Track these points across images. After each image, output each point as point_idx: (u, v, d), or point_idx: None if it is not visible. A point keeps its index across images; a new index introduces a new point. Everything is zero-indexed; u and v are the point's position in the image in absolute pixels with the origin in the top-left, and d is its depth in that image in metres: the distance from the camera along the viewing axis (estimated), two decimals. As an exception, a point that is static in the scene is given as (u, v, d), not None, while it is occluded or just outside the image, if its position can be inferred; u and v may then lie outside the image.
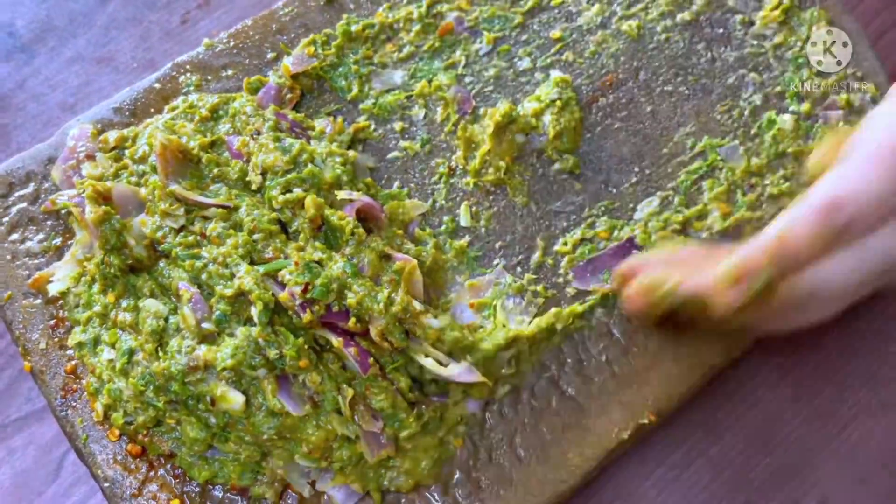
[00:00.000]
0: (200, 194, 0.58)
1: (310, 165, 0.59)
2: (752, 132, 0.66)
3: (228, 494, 0.56)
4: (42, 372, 0.59)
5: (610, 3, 0.71)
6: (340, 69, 0.68)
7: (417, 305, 0.56)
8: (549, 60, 0.69)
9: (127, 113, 0.67)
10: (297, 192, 0.58)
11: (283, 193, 0.58)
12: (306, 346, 0.54)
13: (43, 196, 0.64)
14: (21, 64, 0.80)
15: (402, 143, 0.66)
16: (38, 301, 0.61)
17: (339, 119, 0.66)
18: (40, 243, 0.63)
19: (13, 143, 0.77)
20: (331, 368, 0.54)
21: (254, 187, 0.59)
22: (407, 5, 0.70)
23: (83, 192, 0.58)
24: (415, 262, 0.57)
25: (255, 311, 0.53)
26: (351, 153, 0.63)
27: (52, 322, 0.60)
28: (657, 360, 0.60)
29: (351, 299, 0.54)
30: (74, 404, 0.58)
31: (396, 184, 0.65)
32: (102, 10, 0.82)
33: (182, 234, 0.57)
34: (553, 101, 0.65)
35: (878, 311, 0.70)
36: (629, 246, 0.62)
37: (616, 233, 0.63)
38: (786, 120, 0.66)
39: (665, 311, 0.56)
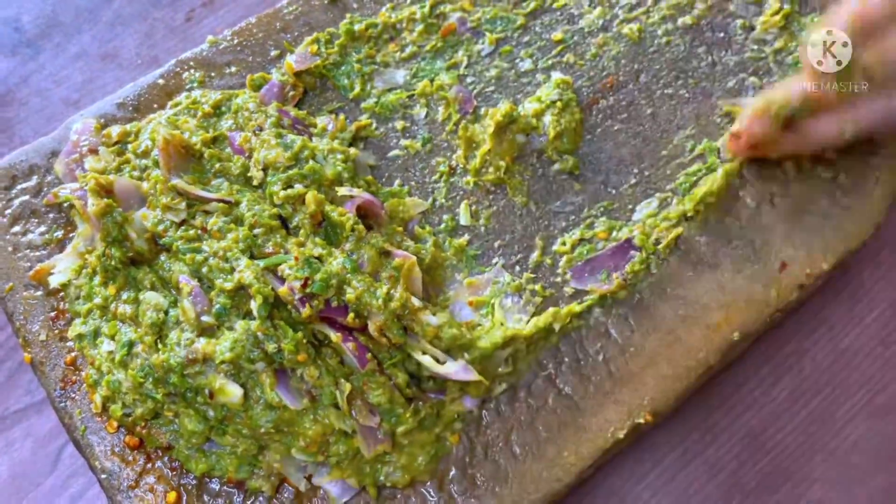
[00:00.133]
0: (202, 189, 0.59)
1: (311, 162, 0.60)
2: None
3: (225, 487, 0.56)
4: (42, 363, 0.59)
5: (611, 7, 0.71)
6: (343, 68, 0.69)
7: (416, 302, 0.56)
8: (550, 62, 0.69)
9: (130, 108, 0.67)
10: (298, 188, 0.58)
11: (284, 189, 0.58)
12: (305, 341, 0.54)
13: (45, 189, 0.65)
14: (26, 59, 0.80)
15: (404, 142, 0.67)
16: (39, 293, 0.61)
17: (341, 117, 0.67)
18: (42, 236, 0.63)
19: (16, 137, 0.77)
20: (329, 363, 0.55)
21: (255, 183, 0.60)
22: (410, 5, 0.71)
23: (86, 185, 0.59)
24: (414, 258, 0.57)
25: (254, 305, 0.54)
26: (352, 150, 0.63)
27: (52, 314, 0.61)
28: (654, 360, 0.60)
29: (350, 295, 0.54)
30: (73, 396, 0.59)
31: (397, 182, 0.65)
32: (108, 6, 0.83)
33: (183, 227, 0.58)
34: (553, 102, 0.65)
35: (875, 316, 0.70)
36: (627, 247, 0.63)
37: (615, 233, 0.63)
38: None
39: (784, 123, 0.61)
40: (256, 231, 0.57)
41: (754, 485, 0.65)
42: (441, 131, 0.67)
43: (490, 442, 0.58)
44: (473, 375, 0.56)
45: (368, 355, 0.55)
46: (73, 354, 0.59)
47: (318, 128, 0.65)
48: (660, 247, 0.62)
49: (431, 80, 0.68)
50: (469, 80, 0.69)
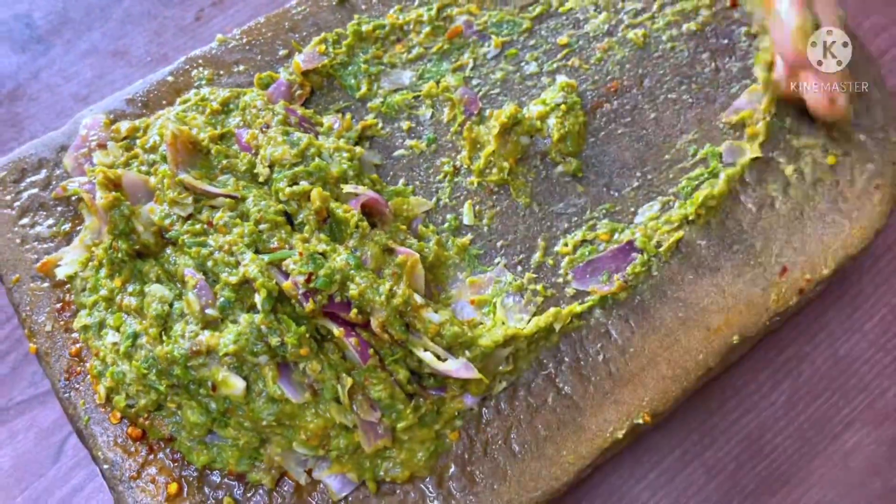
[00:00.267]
0: (209, 184, 0.59)
1: (317, 160, 0.60)
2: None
3: (226, 480, 0.57)
4: (47, 354, 0.60)
5: (617, 12, 0.72)
6: (350, 68, 0.70)
7: (418, 299, 0.57)
8: (555, 65, 0.70)
9: (139, 104, 0.68)
10: (304, 184, 0.59)
11: (290, 186, 0.59)
12: (308, 335, 0.54)
13: (54, 182, 0.65)
14: (37, 55, 0.81)
15: (409, 142, 0.67)
16: (46, 284, 0.62)
17: (348, 116, 0.67)
18: (50, 228, 0.64)
19: (26, 131, 0.78)
20: (331, 358, 0.55)
21: (261, 179, 0.60)
22: (417, 7, 0.72)
23: (94, 178, 0.59)
24: (417, 256, 0.58)
25: (258, 299, 0.54)
26: (358, 149, 0.64)
27: (58, 305, 0.61)
28: (653, 361, 0.60)
29: (353, 291, 0.55)
30: (77, 387, 0.59)
31: (402, 181, 0.66)
32: (118, 4, 0.84)
33: (189, 222, 0.58)
34: (558, 105, 0.66)
35: (874, 322, 0.71)
36: (629, 249, 0.63)
37: (616, 235, 0.64)
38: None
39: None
40: (262, 226, 0.57)
41: (753, 487, 0.65)
42: (446, 132, 0.68)
43: (490, 439, 0.58)
44: (474, 373, 0.56)
45: (370, 351, 0.55)
46: (77, 346, 0.60)
47: (325, 126, 0.66)
48: (661, 249, 0.63)
49: (437, 82, 0.69)
50: (475, 82, 0.69)
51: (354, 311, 0.55)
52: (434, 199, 0.65)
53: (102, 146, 0.65)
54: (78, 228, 0.64)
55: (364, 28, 0.71)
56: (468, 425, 0.59)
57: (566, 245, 0.64)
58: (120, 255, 0.58)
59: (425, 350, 0.56)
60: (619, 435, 0.58)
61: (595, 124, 0.68)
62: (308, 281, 0.54)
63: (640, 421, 0.59)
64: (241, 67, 0.70)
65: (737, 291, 0.62)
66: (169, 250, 0.58)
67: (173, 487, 0.56)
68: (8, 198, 0.65)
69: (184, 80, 0.69)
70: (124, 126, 0.65)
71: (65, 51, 0.82)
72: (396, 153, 0.67)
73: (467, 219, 0.65)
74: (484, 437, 0.58)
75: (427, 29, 0.71)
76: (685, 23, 0.72)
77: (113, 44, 0.82)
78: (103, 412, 0.58)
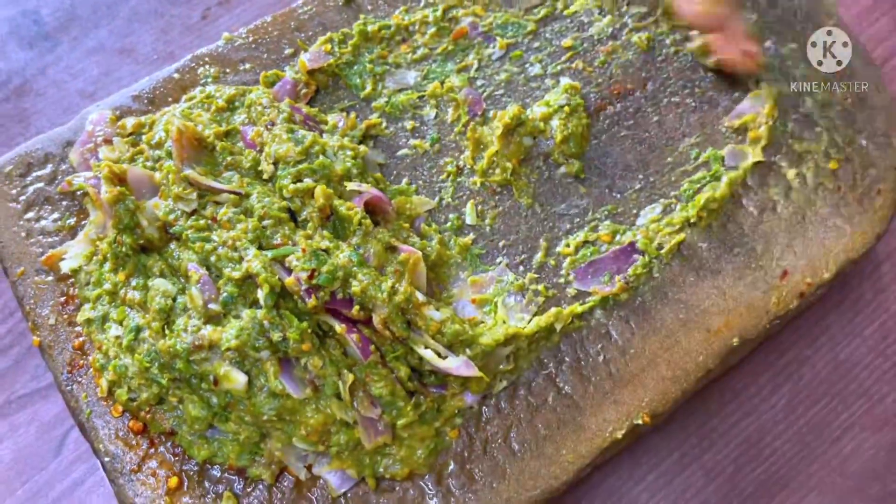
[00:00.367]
0: (213, 180, 0.60)
1: (321, 157, 0.61)
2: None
3: (226, 474, 0.57)
4: (50, 347, 0.60)
5: (621, 16, 0.73)
6: (355, 67, 0.70)
7: (420, 297, 0.57)
8: (559, 67, 0.70)
9: (145, 101, 0.68)
10: (308, 182, 0.59)
11: (294, 183, 0.59)
12: (310, 331, 0.55)
13: (60, 177, 0.66)
14: (44, 51, 0.82)
15: (413, 141, 0.68)
16: (50, 278, 0.62)
17: (352, 115, 0.68)
18: (55, 222, 0.64)
19: (32, 127, 0.79)
20: (332, 354, 0.55)
21: (265, 176, 0.61)
22: (423, 8, 0.72)
23: (100, 173, 0.60)
24: (419, 254, 0.58)
25: (261, 294, 0.54)
26: (362, 148, 0.64)
27: (62, 299, 0.62)
28: (653, 362, 0.60)
29: (355, 287, 0.55)
30: (80, 380, 0.59)
31: (405, 180, 0.66)
32: (126, 2, 0.84)
33: (194, 217, 0.58)
34: (561, 107, 0.66)
35: (875, 328, 0.71)
36: (630, 250, 0.63)
37: (618, 237, 0.64)
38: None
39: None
40: (265, 223, 0.58)
41: (751, 490, 0.66)
42: (450, 132, 0.68)
43: (489, 438, 0.58)
44: (474, 371, 0.56)
45: (372, 347, 0.55)
46: (80, 339, 0.60)
47: (329, 125, 0.67)
48: (662, 251, 0.63)
49: (442, 82, 0.69)
50: (479, 82, 0.70)
51: (356, 307, 0.55)
52: (437, 198, 0.66)
53: (108, 142, 0.65)
54: (83, 223, 0.64)
55: (370, 28, 0.71)
56: (468, 423, 0.59)
57: (568, 246, 0.64)
58: (124, 249, 0.58)
59: (426, 347, 0.56)
60: (619, 435, 0.59)
61: (598, 126, 0.68)
62: (311, 277, 0.55)
63: (640, 421, 0.59)
64: (247, 66, 0.70)
65: (737, 294, 0.63)
66: (173, 245, 0.59)
67: (174, 481, 0.56)
68: (14, 192, 0.65)
69: (190, 77, 0.70)
70: (130, 122, 0.66)
71: (72, 48, 0.82)
72: (400, 152, 0.67)
73: (470, 218, 0.65)
74: (484, 436, 0.59)
75: (432, 30, 0.71)
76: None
77: (120, 41, 0.82)
78: (105, 405, 0.58)
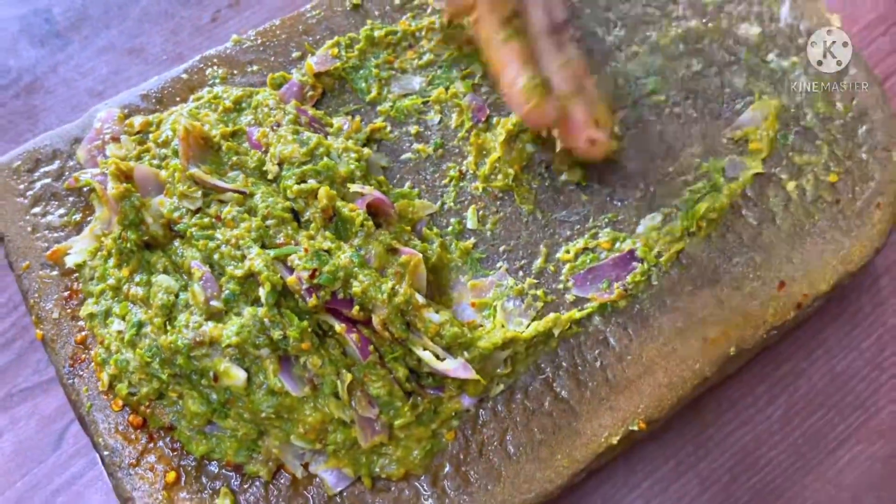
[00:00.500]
0: (218, 179, 0.60)
1: (325, 159, 0.61)
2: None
3: (224, 470, 0.57)
4: (53, 340, 0.61)
5: (625, 26, 0.73)
6: (361, 71, 0.71)
7: (420, 299, 0.57)
8: (563, 76, 0.71)
9: (154, 100, 0.69)
10: (312, 183, 0.60)
11: (298, 183, 0.60)
12: (310, 330, 0.55)
13: (67, 173, 0.66)
14: (55, 50, 0.83)
15: (416, 146, 0.68)
16: (55, 272, 0.63)
17: (357, 118, 0.68)
18: (61, 218, 0.65)
19: (40, 124, 0.80)
20: (332, 353, 0.56)
21: (270, 176, 0.61)
22: (429, 15, 0.73)
23: (106, 170, 0.60)
24: (420, 256, 0.59)
25: (262, 293, 0.55)
26: (365, 150, 0.65)
27: (66, 293, 0.62)
28: (650, 369, 0.61)
29: (356, 288, 0.56)
30: (81, 373, 0.60)
31: (408, 184, 0.67)
32: (136, 3, 0.86)
33: (198, 215, 0.59)
34: None
35: (872, 341, 0.71)
36: (630, 258, 0.64)
37: (618, 244, 0.65)
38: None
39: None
40: (269, 222, 0.58)
41: (746, 499, 0.66)
42: (453, 137, 0.69)
43: (485, 440, 0.59)
44: (471, 374, 0.57)
45: (371, 348, 0.56)
46: (83, 333, 0.61)
47: (334, 127, 0.67)
48: (661, 259, 0.64)
49: (446, 88, 0.70)
50: (483, 89, 0.70)
51: (356, 308, 0.56)
52: (439, 202, 0.66)
53: (116, 139, 0.66)
54: (88, 219, 0.65)
55: (376, 33, 0.72)
56: (465, 425, 0.59)
57: (568, 252, 0.64)
58: (129, 245, 0.59)
59: (424, 349, 0.57)
60: (614, 441, 0.59)
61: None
62: (312, 277, 0.55)
63: (635, 428, 0.59)
64: (255, 67, 0.71)
65: (735, 304, 0.63)
66: (177, 242, 0.59)
67: (171, 476, 0.57)
68: (21, 187, 0.66)
69: (198, 78, 0.70)
70: (138, 121, 0.67)
71: (82, 47, 0.83)
72: (404, 156, 0.68)
73: (471, 223, 0.65)
74: (480, 438, 0.59)
75: (438, 36, 0.72)
76: (693, 39, 0.73)
77: (130, 41, 0.83)
78: (106, 399, 0.59)
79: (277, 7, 0.85)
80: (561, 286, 0.64)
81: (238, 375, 0.54)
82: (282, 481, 0.58)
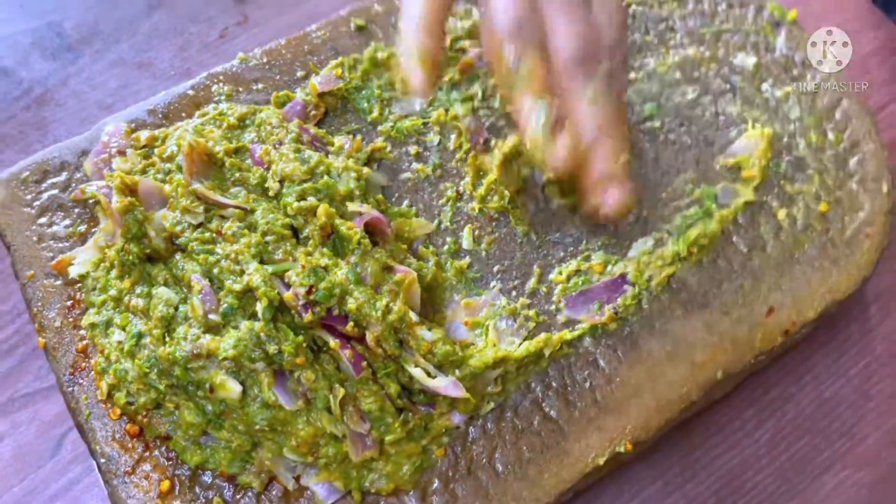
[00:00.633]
0: (221, 195, 0.62)
1: (325, 177, 0.63)
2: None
3: (217, 480, 0.59)
4: (54, 349, 0.62)
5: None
6: (364, 92, 0.72)
7: (413, 316, 0.59)
8: (561, 101, 0.72)
9: (160, 115, 0.71)
10: (311, 200, 0.61)
11: (298, 201, 0.61)
12: (305, 345, 0.57)
13: (74, 185, 0.68)
14: (66, 63, 0.85)
15: (415, 166, 0.70)
16: (59, 282, 0.64)
17: (358, 138, 0.70)
18: (66, 228, 0.66)
19: (50, 135, 0.81)
20: (325, 368, 0.57)
21: (271, 193, 0.63)
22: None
23: (112, 183, 0.62)
24: (414, 275, 0.60)
25: (259, 307, 0.56)
26: (365, 170, 0.66)
27: (69, 303, 0.64)
28: (638, 392, 0.62)
29: (351, 305, 0.57)
30: (81, 382, 0.61)
31: (406, 202, 0.68)
32: (147, 19, 0.88)
33: (199, 230, 0.61)
34: None
35: (860, 368, 0.72)
36: (621, 281, 0.65)
37: (610, 268, 0.66)
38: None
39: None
40: (268, 238, 0.60)
41: (730, 523, 0.67)
42: (451, 158, 0.70)
43: (474, 458, 0.60)
44: (462, 392, 0.58)
45: (364, 364, 0.57)
46: (84, 342, 0.62)
47: (336, 146, 0.69)
48: (652, 284, 0.65)
49: (446, 110, 0.72)
50: (482, 112, 0.72)
51: (351, 324, 0.57)
52: (436, 221, 0.68)
53: (122, 153, 0.68)
54: (93, 230, 0.66)
55: (380, 55, 0.73)
56: (454, 443, 0.60)
57: (560, 273, 0.66)
58: (131, 257, 0.60)
59: (416, 366, 0.58)
60: (601, 461, 0.60)
61: (596, 159, 0.70)
62: (308, 293, 0.57)
63: (622, 449, 0.60)
64: (260, 86, 0.73)
65: (724, 329, 0.64)
66: (178, 256, 0.61)
67: (166, 485, 0.58)
68: (29, 197, 0.68)
69: (204, 94, 0.72)
70: (144, 135, 0.68)
71: (93, 60, 0.85)
72: (403, 176, 0.70)
73: (466, 243, 0.67)
74: (469, 455, 0.60)
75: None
76: (689, 66, 0.74)
77: (139, 56, 0.85)
78: (104, 408, 0.60)
79: (284, 26, 0.87)
80: (553, 307, 0.65)
81: (233, 388, 0.55)
82: (274, 493, 0.59)
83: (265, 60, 0.74)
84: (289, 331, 0.56)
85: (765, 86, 0.73)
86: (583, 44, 0.55)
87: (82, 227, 0.67)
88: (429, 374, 0.58)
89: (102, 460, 0.59)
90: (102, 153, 0.68)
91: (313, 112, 0.71)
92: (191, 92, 0.72)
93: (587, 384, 0.62)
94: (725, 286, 0.65)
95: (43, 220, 0.67)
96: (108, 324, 0.61)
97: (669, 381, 0.62)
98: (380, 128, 0.71)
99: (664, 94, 0.73)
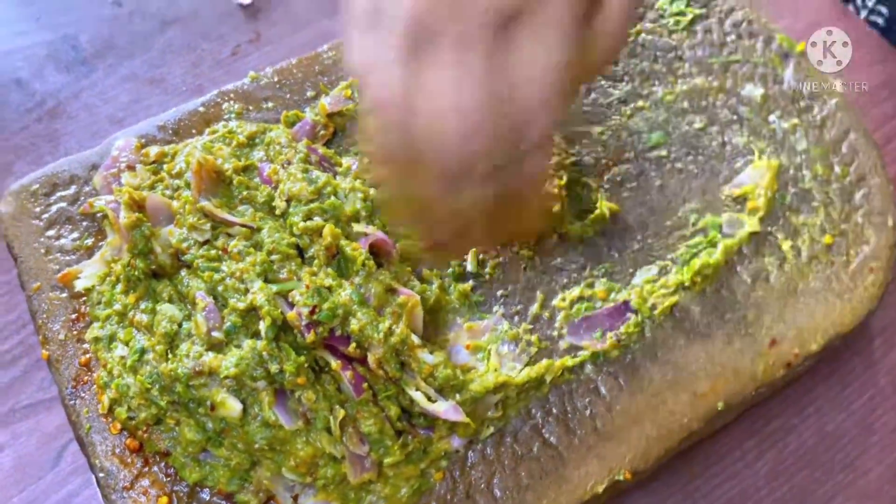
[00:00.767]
0: (228, 213, 0.62)
1: (332, 198, 0.63)
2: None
3: (215, 498, 0.59)
4: (58, 361, 0.63)
5: (632, 79, 0.75)
6: (373, 113, 0.73)
7: (415, 339, 0.59)
8: (568, 127, 0.73)
9: (170, 131, 0.72)
10: (318, 220, 0.62)
11: (304, 221, 0.62)
12: (306, 365, 0.57)
13: (82, 199, 0.69)
14: (80, 76, 0.86)
15: (422, 188, 0.70)
16: (64, 295, 0.65)
17: (366, 158, 0.70)
18: (74, 241, 0.67)
19: (61, 147, 0.82)
20: (326, 389, 0.57)
21: (278, 212, 0.63)
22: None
23: (120, 198, 0.63)
24: (417, 298, 0.60)
25: (262, 326, 0.57)
26: (372, 191, 0.67)
27: (73, 316, 0.64)
28: (638, 420, 0.62)
29: (354, 326, 0.57)
30: (83, 395, 0.62)
31: (411, 225, 0.69)
32: (161, 35, 0.89)
33: (205, 247, 0.61)
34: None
35: (862, 402, 0.72)
36: (624, 309, 0.65)
37: (613, 295, 0.66)
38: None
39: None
40: (273, 257, 0.60)
41: (729, 555, 0.66)
42: (458, 181, 0.70)
43: (473, 482, 0.60)
44: (461, 417, 0.58)
45: (364, 385, 0.57)
46: (87, 356, 0.63)
47: (343, 167, 0.69)
48: (655, 312, 0.65)
49: (454, 133, 0.72)
50: (490, 136, 0.72)
51: (353, 345, 0.57)
52: (441, 244, 0.68)
53: (131, 168, 0.68)
54: (100, 244, 0.67)
55: (389, 77, 0.74)
56: (453, 466, 0.60)
57: (564, 300, 0.66)
58: (136, 273, 0.61)
59: (417, 389, 0.58)
60: (599, 489, 0.60)
61: (602, 187, 0.71)
62: (312, 313, 0.57)
63: (621, 477, 0.60)
64: (270, 104, 0.73)
65: (726, 359, 0.64)
66: (183, 272, 0.61)
67: (163, 501, 0.58)
68: (38, 209, 0.68)
69: (214, 111, 0.73)
70: (154, 151, 0.69)
71: (106, 74, 0.86)
72: (409, 198, 0.70)
73: (471, 266, 0.67)
74: (467, 480, 0.60)
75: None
76: (698, 96, 0.75)
77: (151, 72, 0.86)
78: (105, 422, 0.61)
79: (297, 45, 0.88)
80: (555, 333, 0.65)
81: (234, 406, 0.56)
82: (271, 512, 0.59)
83: (276, 79, 0.74)
84: (291, 350, 0.57)
85: (772, 117, 0.74)
86: (459, 149, 0.41)
87: (89, 241, 0.67)
88: (429, 398, 0.58)
89: (101, 474, 0.59)
90: (112, 168, 0.69)
91: (322, 132, 0.72)
92: (201, 109, 0.73)
93: (588, 411, 0.62)
94: (729, 316, 0.65)
95: (51, 232, 0.67)
96: (112, 338, 0.61)
97: (670, 410, 0.62)
98: (387, 149, 0.72)
99: (671, 122, 0.74)
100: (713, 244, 0.68)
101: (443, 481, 0.60)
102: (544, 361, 0.63)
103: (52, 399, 0.71)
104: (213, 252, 0.61)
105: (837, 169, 0.71)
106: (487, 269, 0.67)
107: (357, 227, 0.63)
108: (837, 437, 0.71)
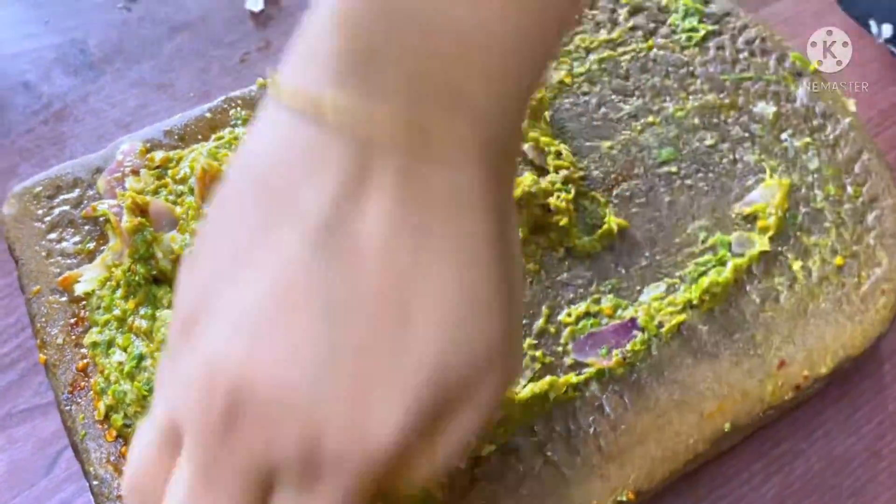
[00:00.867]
0: (231, 219, 0.62)
1: (336, 207, 0.63)
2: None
3: (210, 509, 0.57)
4: (55, 365, 0.62)
5: (643, 94, 0.75)
6: (380, 123, 0.72)
7: (418, 352, 0.58)
8: (577, 141, 0.72)
9: (176, 136, 0.71)
10: (321, 229, 0.61)
11: (308, 229, 0.61)
12: (306, 376, 0.56)
13: (86, 202, 0.68)
14: (87, 80, 0.86)
15: (428, 199, 0.69)
16: (64, 299, 0.64)
17: (372, 168, 0.70)
18: (75, 245, 0.66)
19: (67, 150, 0.82)
20: (326, 400, 0.56)
21: (281, 220, 0.62)
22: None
23: (123, 202, 0.62)
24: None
25: (263, 335, 0.56)
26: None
27: (72, 320, 0.63)
28: (643, 440, 0.61)
29: (355, 337, 0.56)
30: (79, 401, 0.61)
31: (416, 236, 0.68)
32: (170, 41, 0.88)
33: (207, 253, 0.60)
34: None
35: (871, 427, 0.71)
36: (631, 326, 0.64)
37: (620, 312, 0.65)
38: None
39: None
40: (276, 265, 0.59)
41: (733, 581, 0.65)
42: (465, 193, 0.70)
43: (472, 500, 0.59)
44: (464, 431, 0.57)
45: (365, 398, 0.56)
46: (85, 361, 0.62)
47: (349, 176, 0.68)
48: (662, 330, 0.64)
49: (462, 145, 0.71)
50: (498, 148, 0.72)
51: (354, 357, 0.56)
52: (446, 256, 0.67)
53: (136, 172, 0.68)
54: (101, 248, 0.66)
55: (398, 87, 0.73)
56: (454, 484, 0.59)
57: (569, 315, 0.65)
58: (137, 278, 0.60)
59: (419, 403, 0.57)
60: (602, 510, 0.59)
61: (610, 202, 0.70)
62: (313, 323, 0.56)
63: (624, 498, 0.59)
64: (277, 112, 0.73)
65: (733, 380, 0.63)
66: (184, 279, 0.60)
67: (158, 511, 0.57)
68: (40, 212, 0.68)
69: (221, 118, 0.72)
70: (158, 155, 0.68)
71: (114, 79, 0.86)
72: (415, 209, 0.69)
73: (476, 279, 0.66)
74: (469, 498, 0.59)
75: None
76: (709, 113, 0.74)
77: (160, 77, 0.86)
78: (100, 429, 0.60)
79: (305, 53, 0.87)
80: (560, 349, 0.64)
81: (232, 416, 0.55)
82: (266, 525, 0.57)
83: (284, 87, 0.74)
84: (291, 360, 0.56)
85: (784, 135, 0.73)
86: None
87: (91, 245, 0.66)
88: (431, 412, 0.57)
89: (95, 482, 0.58)
90: (116, 172, 0.68)
91: (329, 140, 0.71)
92: (208, 115, 0.72)
93: (592, 430, 0.61)
94: (737, 336, 0.64)
95: (53, 235, 0.67)
96: (110, 344, 0.60)
97: (676, 431, 0.61)
98: (394, 159, 0.71)
99: (682, 139, 0.73)
100: (722, 263, 0.67)
101: (444, 498, 0.58)
102: (548, 378, 0.61)
103: (49, 404, 0.70)
104: (215, 259, 0.60)
105: (850, 189, 0.71)
106: (493, 283, 0.66)
107: (361, 237, 0.62)
108: (846, 461, 0.69)
